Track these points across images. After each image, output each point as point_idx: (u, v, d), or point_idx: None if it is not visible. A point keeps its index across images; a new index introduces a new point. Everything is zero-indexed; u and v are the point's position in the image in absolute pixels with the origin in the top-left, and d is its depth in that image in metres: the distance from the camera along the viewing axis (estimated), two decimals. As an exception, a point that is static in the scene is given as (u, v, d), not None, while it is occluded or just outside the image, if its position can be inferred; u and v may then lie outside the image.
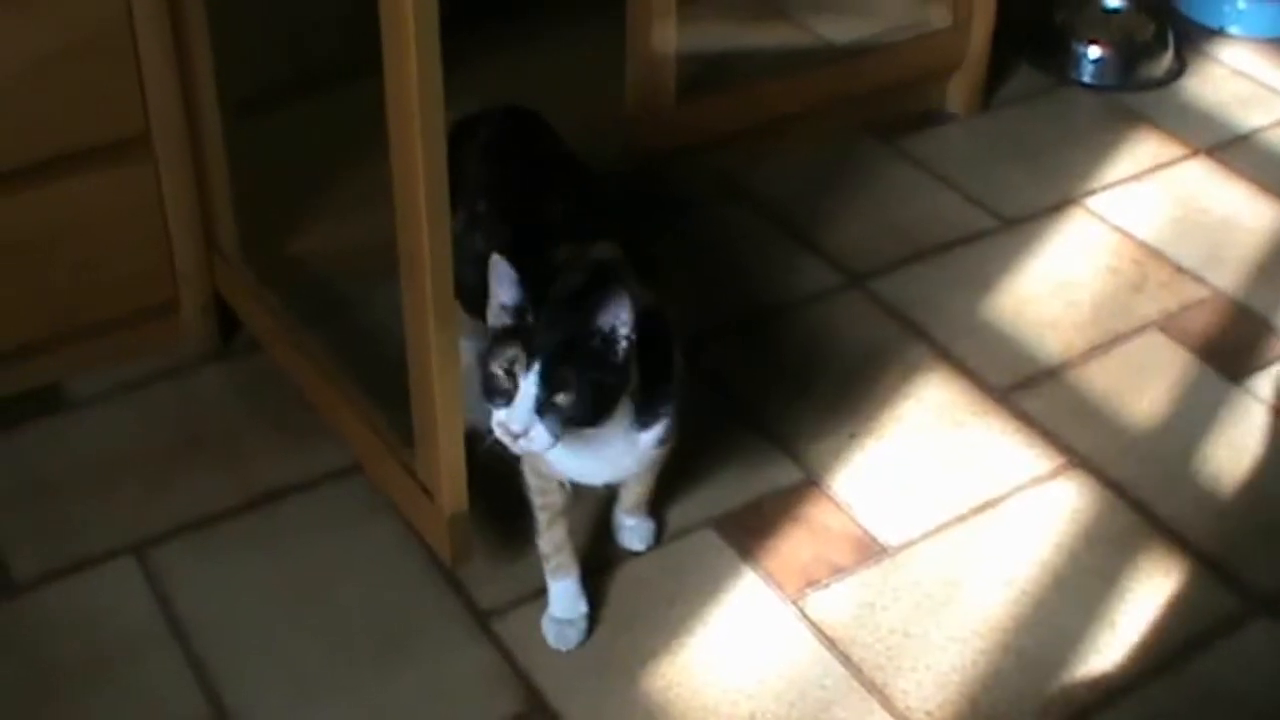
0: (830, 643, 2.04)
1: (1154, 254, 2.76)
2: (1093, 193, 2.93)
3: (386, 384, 2.04)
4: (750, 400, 2.42)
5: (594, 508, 2.18)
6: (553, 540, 2.00)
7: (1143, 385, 2.47)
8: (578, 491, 2.02)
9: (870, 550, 2.18)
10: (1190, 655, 2.04)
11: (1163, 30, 3.34)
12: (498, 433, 1.75)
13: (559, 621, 2.03)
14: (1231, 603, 2.11)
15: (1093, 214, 2.87)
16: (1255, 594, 2.12)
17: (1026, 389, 2.46)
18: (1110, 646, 2.04)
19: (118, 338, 2.41)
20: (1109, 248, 2.78)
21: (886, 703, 1.96)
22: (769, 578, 2.13)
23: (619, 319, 1.74)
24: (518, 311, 1.77)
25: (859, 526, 2.21)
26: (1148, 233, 2.82)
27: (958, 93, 3.13)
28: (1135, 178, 2.98)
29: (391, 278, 1.88)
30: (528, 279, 1.77)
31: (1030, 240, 2.80)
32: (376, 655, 2.01)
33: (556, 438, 1.74)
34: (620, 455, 1.90)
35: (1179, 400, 2.44)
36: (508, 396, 1.72)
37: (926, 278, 2.70)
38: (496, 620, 2.06)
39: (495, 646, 2.03)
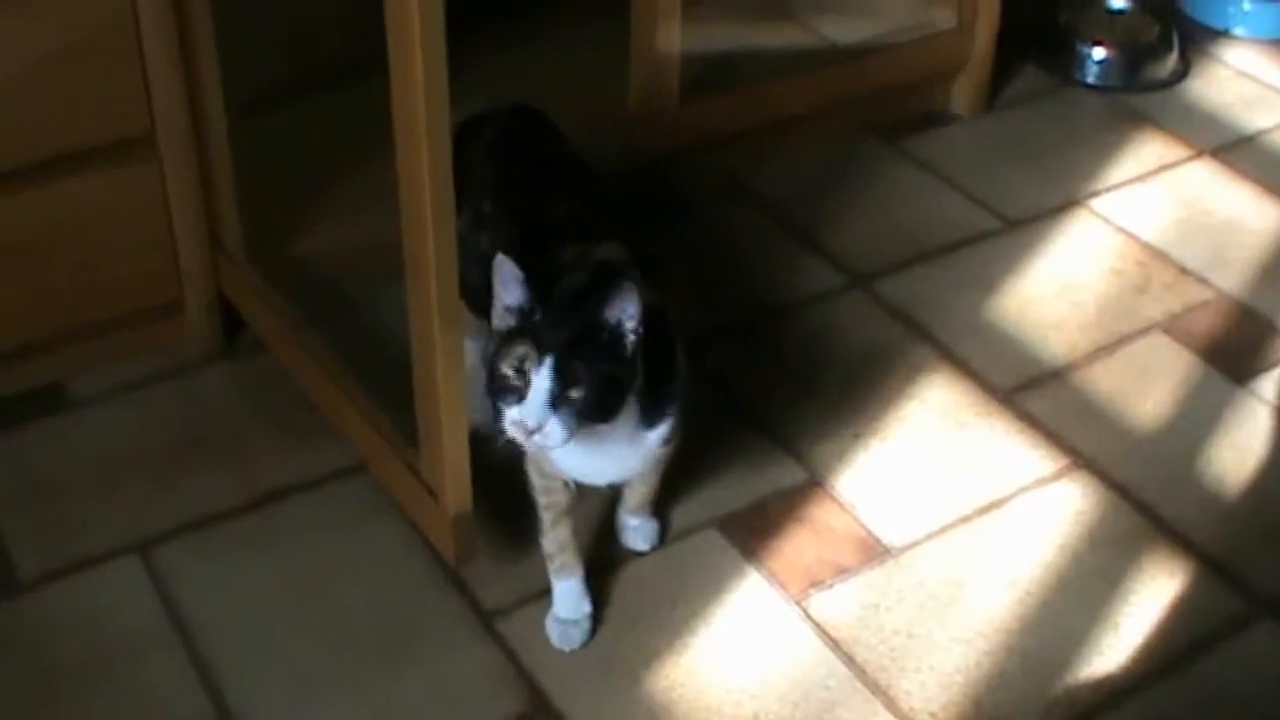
0: (834, 643, 2.04)
1: (1158, 255, 2.76)
2: (1097, 194, 2.93)
3: (391, 384, 2.04)
4: (754, 401, 2.42)
5: (598, 508, 2.18)
6: (557, 540, 2.00)
7: (1147, 387, 2.47)
8: (581, 491, 2.02)
9: (874, 551, 2.18)
10: (1194, 657, 2.04)
11: (1167, 31, 3.34)
12: (511, 431, 1.74)
13: (563, 621, 2.03)
14: (1236, 605, 2.11)
15: (1097, 215, 2.87)
16: (1260, 596, 2.12)
17: (1030, 390, 2.46)
18: (1114, 648, 2.04)
19: (121, 337, 2.41)
20: (1113, 249, 2.78)
21: (890, 703, 1.96)
22: (773, 578, 2.13)
23: (625, 312, 1.74)
24: (523, 311, 1.77)
25: (863, 527, 2.21)
26: (1152, 234, 2.81)
27: (962, 94, 3.13)
28: (1140, 179, 2.97)
29: (396, 278, 1.88)
30: (533, 278, 1.77)
31: (1034, 241, 2.80)
32: (380, 655, 2.01)
33: (571, 433, 1.73)
34: (626, 454, 1.90)
35: (1183, 402, 2.44)
36: (519, 394, 1.72)
37: (930, 279, 2.70)
38: (500, 620, 2.06)
39: (499, 646, 2.03)
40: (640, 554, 2.16)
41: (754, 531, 2.20)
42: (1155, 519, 2.23)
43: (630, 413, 1.83)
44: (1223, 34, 3.48)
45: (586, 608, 2.04)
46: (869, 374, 2.48)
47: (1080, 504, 2.25)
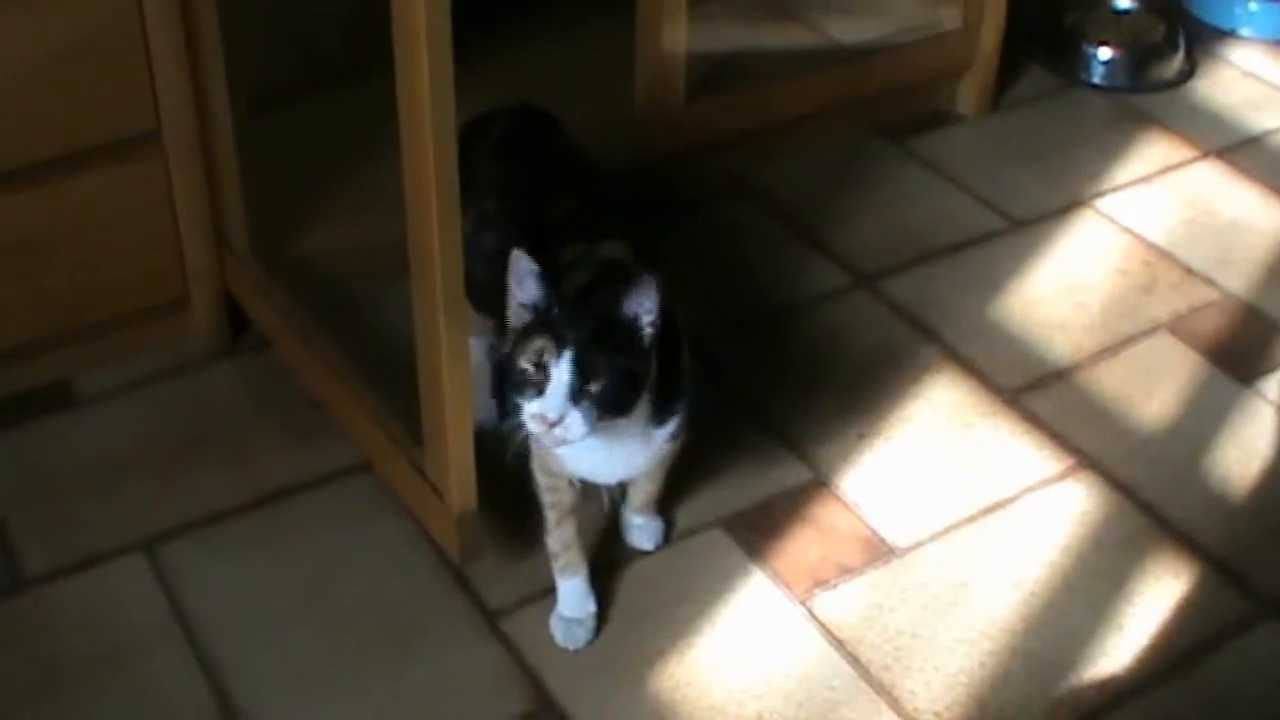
0: (838, 643, 2.04)
1: (1164, 256, 2.76)
2: (1102, 194, 2.92)
3: (395, 382, 2.05)
4: (759, 400, 2.42)
5: (602, 507, 2.18)
6: (561, 539, 2.00)
7: (1152, 387, 2.46)
8: (586, 490, 2.02)
9: (879, 551, 2.18)
10: (1199, 658, 2.04)
11: (1173, 32, 3.34)
12: (530, 425, 1.74)
13: (567, 620, 2.03)
14: (1241, 605, 2.11)
15: (1102, 215, 2.87)
16: (1265, 597, 2.12)
17: (1036, 390, 2.45)
18: (1119, 649, 2.04)
19: (127, 335, 2.42)
20: (1119, 249, 2.78)
21: (894, 703, 1.96)
22: (777, 578, 2.13)
23: (643, 306, 1.74)
24: (539, 306, 1.77)
25: (867, 527, 2.21)
26: (1158, 235, 2.81)
27: (968, 94, 3.13)
28: (1145, 179, 2.97)
29: (402, 276, 1.88)
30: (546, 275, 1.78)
31: (1040, 242, 2.79)
32: (384, 653, 2.01)
33: (590, 426, 1.73)
34: (635, 451, 1.90)
35: (1188, 402, 2.44)
36: (538, 388, 1.73)
37: (936, 279, 2.70)
38: (504, 619, 2.06)
39: (503, 645, 2.03)
40: (645, 553, 2.16)
41: (759, 531, 2.20)
42: (1160, 519, 2.23)
43: (643, 409, 1.83)
44: (1229, 34, 3.48)
45: (591, 607, 2.04)
46: (874, 374, 2.48)
47: (1085, 504, 2.25)
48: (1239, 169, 3.01)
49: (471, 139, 2.08)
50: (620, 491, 2.12)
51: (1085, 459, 2.33)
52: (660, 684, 1.98)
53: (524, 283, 1.77)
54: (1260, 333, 2.59)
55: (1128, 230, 2.82)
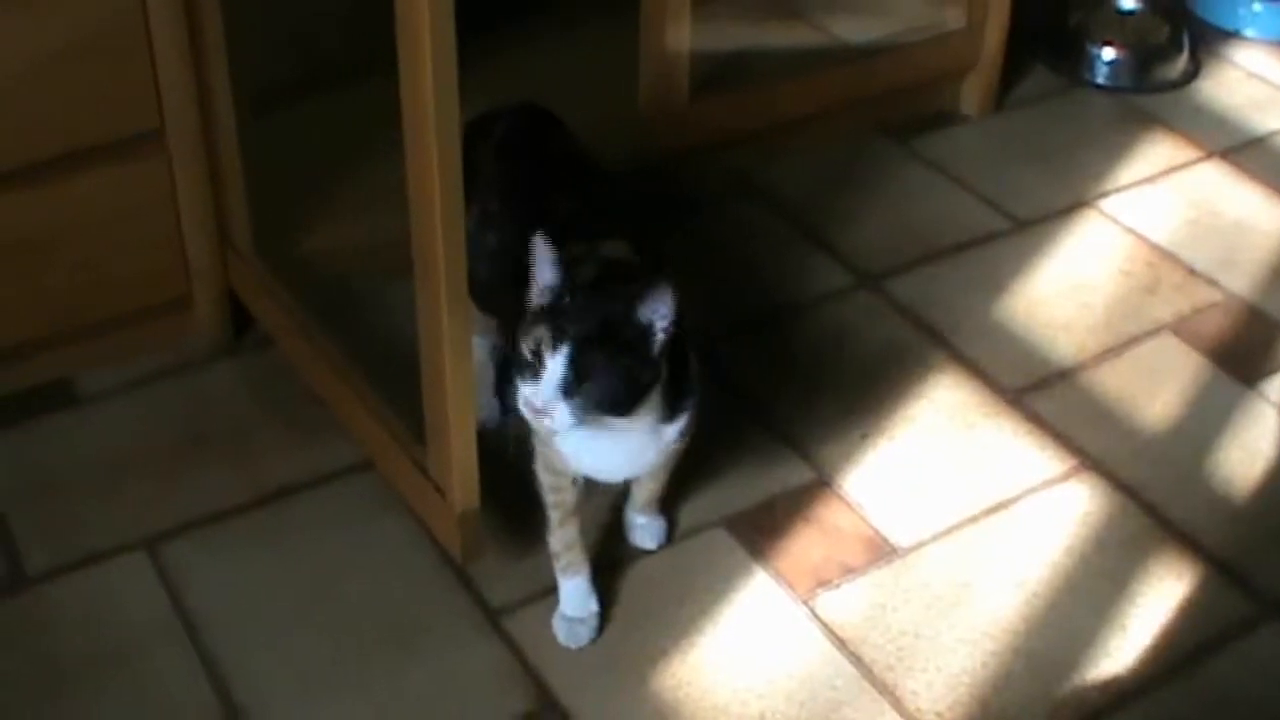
0: (841, 643, 2.04)
1: (1167, 256, 2.76)
2: (1106, 195, 2.92)
3: (398, 381, 2.05)
4: (762, 400, 2.42)
5: (605, 506, 2.18)
6: (564, 538, 2.00)
7: (1155, 388, 2.46)
8: (589, 489, 2.02)
9: (881, 551, 2.17)
10: (1202, 659, 2.04)
11: (1177, 32, 3.34)
12: (521, 407, 1.75)
13: (570, 619, 2.03)
14: (1244, 606, 2.11)
15: (1106, 216, 2.86)
16: (1267, 598, 2.12)
17: (1039, 391, 2.45)
18: (1121, 649, 2.04)
19: (130, 333, 2.42)
20: (1122, 250, 2.78)
21: (897, 703, 1.96)
22: (780, 577, 2.13)
23: (658, 312, 1.74)
24: (555, 292, 1.77)
25: (870, 527, 2.21)
26: (1161, 235, 2.81)
27: (972, 94, 3.13)
28: (1149, 180, 2.97)
29: (405, 275, 1.88)
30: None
31: (1043, 242, 2.79)
32: (386, 652, 2.01)
33: (579, 421, 1.74)
34: (644, 449, 1.90)
35: (1191, 403, 2.44)
36: (535, 373, 1.73)
37: (939, 279, 2.69)
38: (507, 618, 2.06)
39: (506, 644, 2.03)
40: (647, 552, 2.16)
41: (761, 531, 2.20)
42: (1163, 520, 2.23)
43: (653, 408, 1.83)
44: (1233, 35, 3.47)
45: (593, 606, 2.04)
46: (877, 373, 2.48)
47: (1088, 505, 2.25)
48: (1243, 170, 3.01)
49: (474, 138, 2.08)
50: (622, 490, 2.12)
51: (1088, 459, 2.33)
52: (663, 683, 1.98)
53: (541, 267, 1.78)
54: (1263, 334, 2.59)
55: (1131, 231, 2.82)
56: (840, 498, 2.25)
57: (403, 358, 1.99)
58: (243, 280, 2.44)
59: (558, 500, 1.98)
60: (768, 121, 2.90)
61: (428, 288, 1.83)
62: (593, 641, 2.03)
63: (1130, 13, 3.40)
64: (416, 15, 1.64)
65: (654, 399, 1.82)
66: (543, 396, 1.72)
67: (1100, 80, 3.29)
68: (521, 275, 1.83)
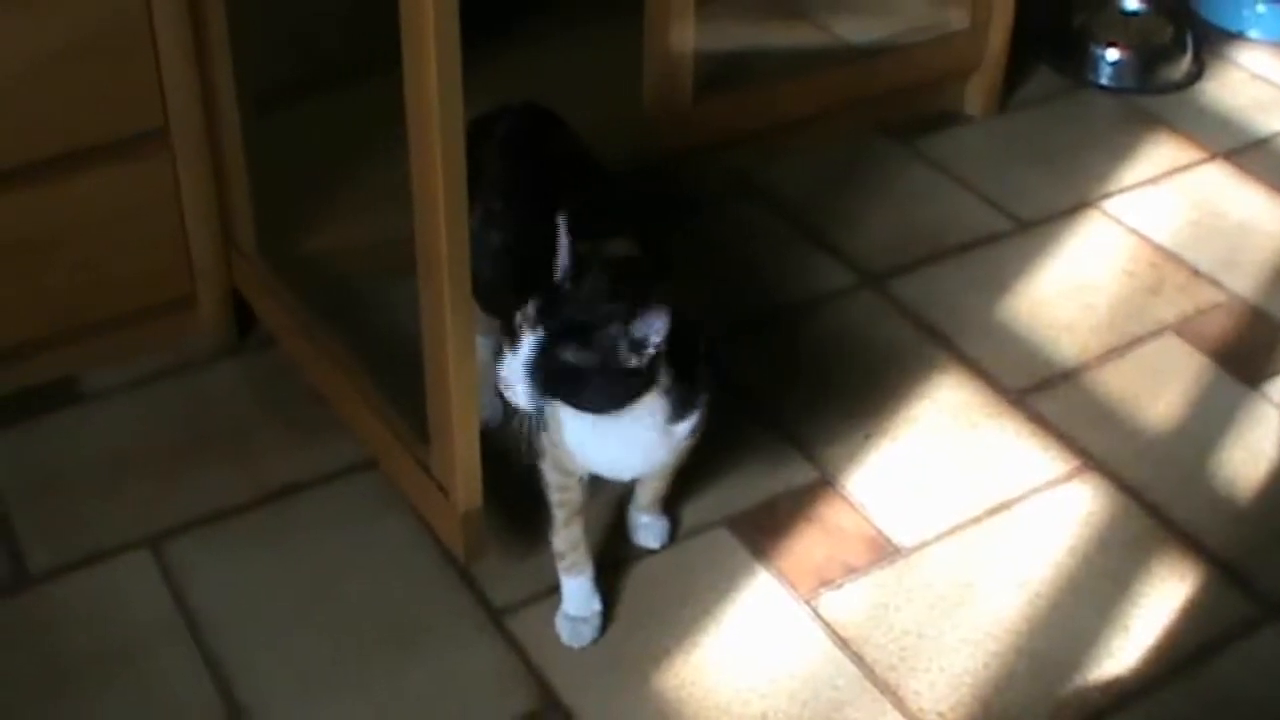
0: (843, 643, 2.04)
1: (1171, 257, 2.76)
2: (1110, 195, 2.92)
3: (402, 380, 2.05)
4: (765, 399, 2.42)
5: (607, 505, 2.18)
6: (569, 538, 2.00)
7: (1158, 389, 2.46)
8: (593, 488, 2.02)
9: (884, 551, 2.18)
10: (1204, 659, 2.04)
11: (1181, 33, 3.34)
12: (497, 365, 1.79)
13: (572, 619, 2.03)
14: (1246, 607, 2.11)
15: (1109, 217, 2.86)
16: (1270, 599, 2.12)
17: (1042, 391, 2.45)
18: (1124, 650, 2.04)
19: (133, 332, 2.42)
20: (1125, 251, 2.78)
21: (899, 703, 1.96)
22: (782, 577, 2.13)
23: (653, 328, 1.73)
24: (561, 277, 1.78)
25: (873, 527, 2.21)
26: (1164, 236, 2.81)
27: (975, 94, 3.13)
28: (1152, 181, 2.97)
29: (409, 274, 1.88)
30: (546, 272, 1.78)
31: (1047, 242, 2.79)
32: (389, 651, 2.01)
33: (536, 403, 1.76)
34: (654, 447, 1.90)
35: (1195, 404, 2.44)
36: (513, 346, 1.75)
37: (942, 279, 2.69)
38: (509, 617, 2.06)
39: (508, 643, 2.03)
40: (650, 552, 2.16)
41: (764, 530, 2.20)
42: (1166, 521, 2.23)
43: (656, 408, 1.82)
44: (1237, 36, 3.47)
45: (596, 605, 2.04)
46: (880, 373, 2.48)
47: (1091, 505, 2.25)
48: (1246, 171, 3.00)
49: (478, 138, 2.08)
50: (625, 489, 2.13)
51: (1091, 460, 2.33)
52: (665, 683, 1.98)
53: (560, 249, 1.78)
54: (1266, 335, 2.59)
55: (1135, 231, 2.82)
56: (843, 497, 2.25)
57: (406, 357, 1.99)
58: (246, 279, 2.44)
59: (563, 499, 1.97)
60: (771, 121, 2.90)
61: (431, 287, 1.83)
62: (595, 641, 2.03)
63: (1134, 14, 3.40)
64: (421, 14, 1.64)
65: (656, 402, 1.82)
66: (507, 369, 1.75)
67: (1104, 81, 3.28)
68: (525, 275, 1.83)
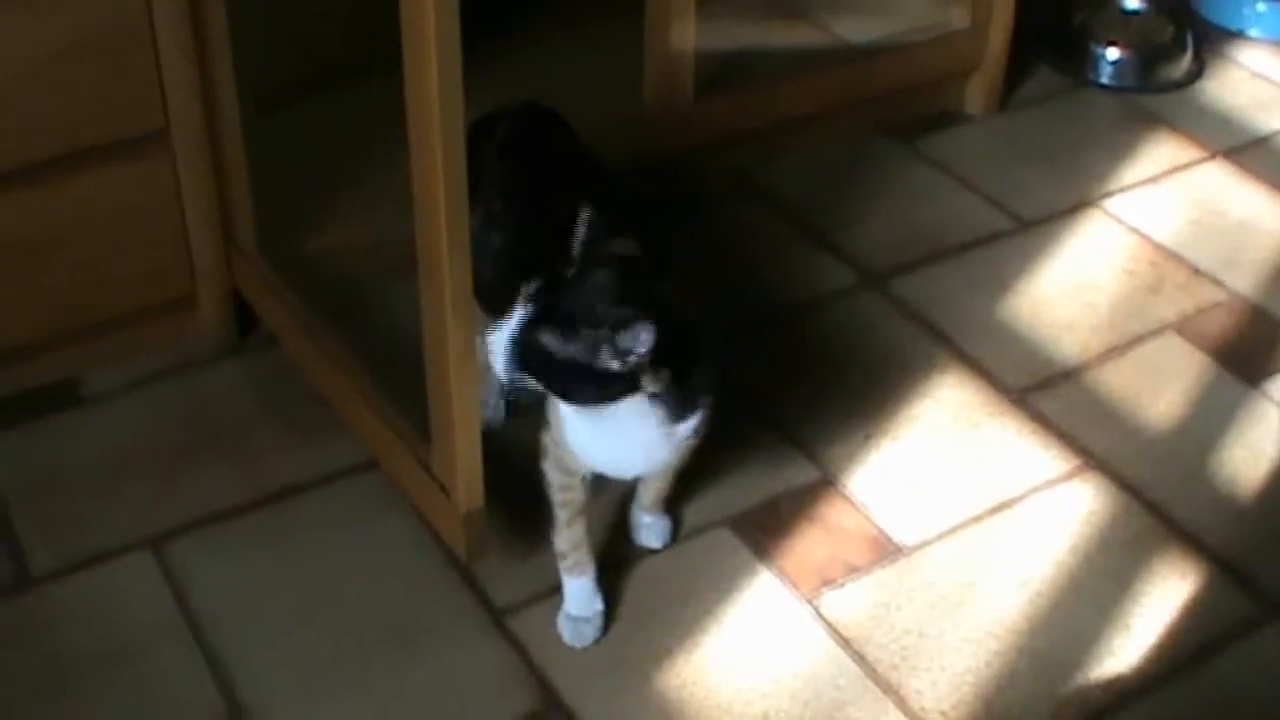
0: (845, 642, 2.04)
1: (1171, 256, 2.76)
2: (1110, 194, 2.92)
3: (403, 380, 2.05)
4: (766, 400, 2.42)
5: (609, 505, 2.18)
6: (571, 538, 2.00)
7: (1159, 388, 2.46)
8: (595, 488, 2.02)
9: (886, 550, 2.18)
10: (1205, 658, 2.04)
11: (1182, 32, 3.34)
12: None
13: (574, 619, 2.03)
14: (1247, 606, 2.11)
15: (1110, 216, 2.86)
16: (1271, 597, 2.12)
17: (1043, 390, 2.45)
18: (1125, 649, 2.04)
19: (134, 333, 2.42)
20: (1126, 250, 2.78)
21: (901, 703, 1.96)
22: (784, 577, 2.13)
23: (639, 341, 1.72)
24: (569, 263, 1.80)
25: (875, 526, 2.21)
26: (1165, 235, 2.81)
27: (976, 94, 3.13)
28: (1153, 180, 2.97)
29: (410, 274, 1.88)
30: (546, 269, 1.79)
31: (1047, 242, 2.79)
32: (390, 652, 2.01)
33: (511, 379, 1.78)
34: (654, 447, 1.89)
35: (1196, 403, 2.44)
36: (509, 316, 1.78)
37: (943, 278, 2.69)
38: (511, 617, 2.06)
39: (510, 643, 2.03)
40: (652, 551, 2.16)
41: (766, 530, 2.20)
42: (1167, 520, 2.23)
43: (651, 410, 1.81)
44: (1237, 35, 3.47)
45: (598, 605, 2.04)
46: (881, 373, 2.48)
47: (1092, 504, 2.25)
48: (1247, 170, 3.00)
49: (478, 138, 2.08)
50: (627, 489, 2.13)
51: (1092, 459, 2.33)
52: (667, 682, 1.98)
53: (574, 240, 1.81)
54: (1267, 334, 2.59)
55: (1135, 230, 2.82)
56: (844, 497, 2.25)
57: (407, 357, 1.99)
58: (247, 280, 2.44)
59: (566, 499, 1.97)
60: (772, 121, 2.90)
61: (432, 287, 1.83)
62: (597, 641, 2.03)
63: (1134, 12, 3.40)
64: (422, 14, 1.64)
65: (651, 403, 1.81)
66: (494, 339, 1.77)
67: (1104, 80, 3.28)
68: (526, 275, 1.83)
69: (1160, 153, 3.06)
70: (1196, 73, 3.32)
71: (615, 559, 2.14)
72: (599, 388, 1.78)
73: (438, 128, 1.69)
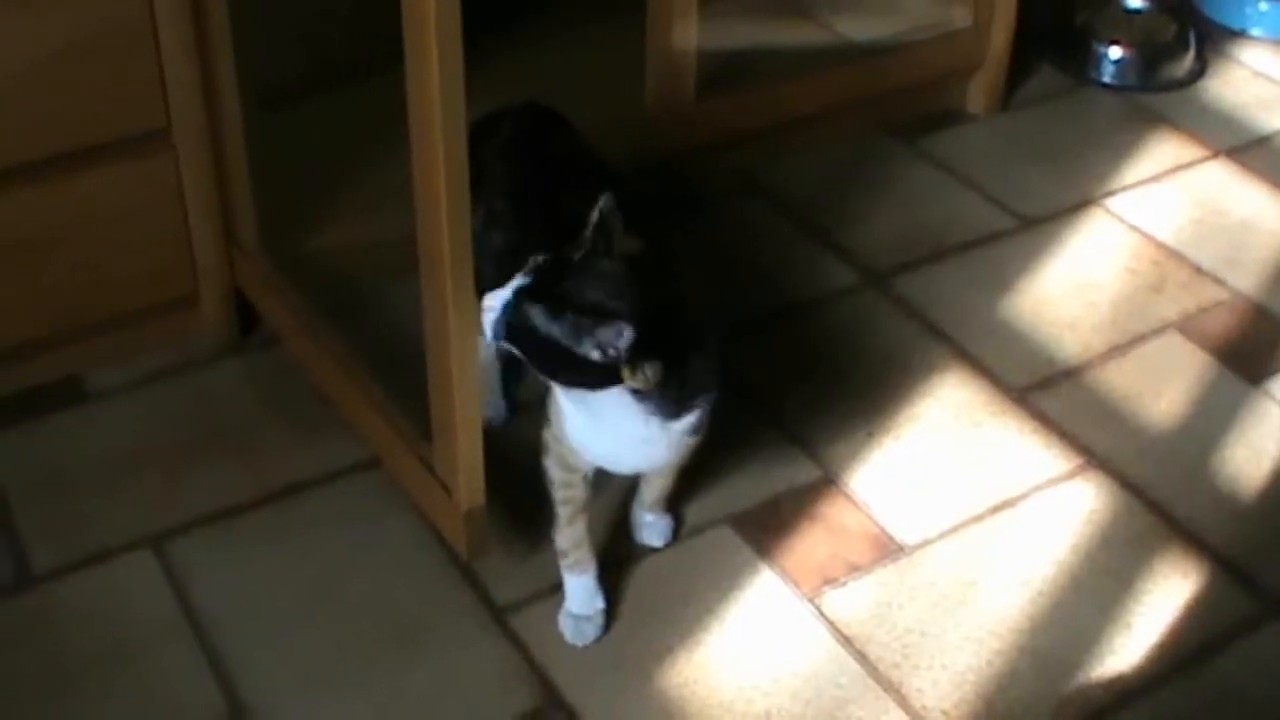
0: (846, 641, 2.04)
1: (1173, 255, 2.76)
2: (1112, 193, 2.92)
3: (405, 379, 2.05)
4: (768, 398, 2.42)
5: (611, 503, 2.18)
6: (572, 536, 2.00)
7: (1161, 386, 2.46)
8: (596, 486, 2.02)
9: (887, 549, 2.18)
10: (1206, 657, 2.04)
11: (1184, 31, 3.34)
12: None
13: (575, 617, 2.03)
14: (1248, 605, 2.11)
15: (1112, 215, 2.86)
16: (1272, 596, 2.12)
17: (1045, 389, 2.45)
18: (1126, 648, 2.04)
19: (137, 332, 2.42)
20: (1128, 249, 2.78)
21: (902, 701, 1.96)
22: (786, 576, 2.13)
23: (621, 338, 1.72)
24: (578, 244, 1.80)
25: (876, 525, 2.21)
26: (1167, 234, 2.81)
27: (978, 93, 3.13)
28: (1155, 179, 2.97)
29: (411, 273, 1.88)
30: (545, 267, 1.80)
31: (1049, 241, 2.79)
32: (392, 650, 2.01)
33: (496, 338, 1.79)
34: (651, 444, 1.88)
35: (1197, 402, 2.44)
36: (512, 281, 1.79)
37: (946, 277, 2.69)
38: (512, 615, 2.06)
39: (511, 642, 2.03)
40: (654, 550, 2.16)
41: (767, 529, 2.20)
42: (1168, 519, 2.23)
43: (641, 406, 1.80)
44: (1239, 34, 3.47)
45: (599, 603, 2.04)
46: (883, 372, 2.48)
47: (1093, 503, 2.25)
48: (1249, 169, 3.00)
49: (480, 138, 2.08)
50: (629, 487, 2.13)
51: (1094, 458, 2.33)
52: (669, 681, 1.98)
53: (588, 226, 1.81)
54: (1269, 333, 2.59)
55: (1137, 229, 2.82)
56: (846, 496, 2.25)
57: (409, 356, 1.99)
58: (249, 278, 2.44)
59: (567, 497, 1.97)
60: (774, 120, 2.90)
61: (434, 286, 1.84)
62: (599, 639, 2.03)
63: (1137, 11, 3.40)
64: (423, 13, 1.64)
65: (640, 398, 1.80)
66: (491, 297, 1.77)
67: (1106, 79, 3.28)
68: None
69: (1162, 152, 3.06)
70: (1199, 72, 3.32)
71: (616, 557, 2.14)
72: (575, 371, 1.78)
73: (439, 126, 1.69)
